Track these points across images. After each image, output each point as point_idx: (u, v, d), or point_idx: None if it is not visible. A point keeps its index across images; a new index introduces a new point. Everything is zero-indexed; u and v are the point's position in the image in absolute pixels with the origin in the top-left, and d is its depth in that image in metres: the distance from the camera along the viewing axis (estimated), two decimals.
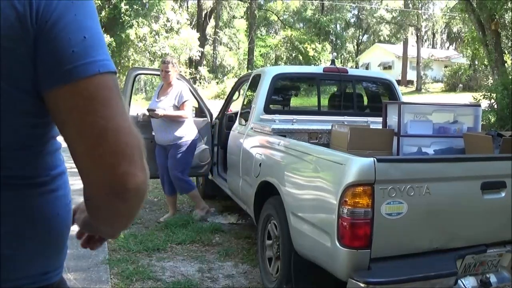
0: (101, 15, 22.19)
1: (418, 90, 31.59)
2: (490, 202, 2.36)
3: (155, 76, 14.78)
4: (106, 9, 21.72)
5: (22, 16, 0.64)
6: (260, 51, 37.45)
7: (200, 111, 4.99)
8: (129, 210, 0.74)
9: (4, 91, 0.66)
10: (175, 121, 4.29)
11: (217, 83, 28.74)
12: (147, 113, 4.40)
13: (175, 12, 25.03)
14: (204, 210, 4.57)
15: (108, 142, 0.67)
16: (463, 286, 2.30)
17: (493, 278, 2.41)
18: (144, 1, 22.89)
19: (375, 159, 2.09)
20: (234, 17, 36.74)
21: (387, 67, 37.96)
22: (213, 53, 34.31)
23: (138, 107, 5.55)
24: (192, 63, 28.98)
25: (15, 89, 0.67)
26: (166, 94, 4.33)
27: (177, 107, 4.28)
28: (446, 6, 32.91)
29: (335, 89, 4.75)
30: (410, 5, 33.98)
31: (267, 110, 3.91)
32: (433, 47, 46.86)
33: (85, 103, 0.67)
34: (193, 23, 31.36)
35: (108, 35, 21.16)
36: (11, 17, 0.64)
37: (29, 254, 0.75)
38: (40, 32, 0.66)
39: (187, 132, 4.37)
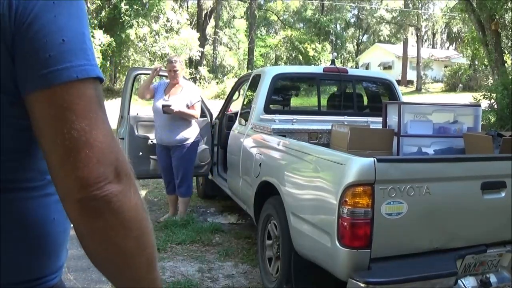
0: (101, 15, 22.20)
1: (418, 90, 31.58)
2: (490, 202, 2.36)
3: (155, 76, 14.77)
4: (106, 9, 21.73)
5: (1, 16, 0.62)
6: (260, 51, 37.45)
7: (201, 111, 5.00)
8: (111, 233, 0.67)
9: None
10: (183, 122, 4.27)
11: (217, 83, 28.73)
12: (152, 112, 4.38)
13: (175, 12, 25.03)
14: (184, 213, 4.56)
15: (80, 156, 0.63)
16: (463, 286, 2.30)
17: (493, 278, 2.41)
18: (144, 1, 22.89)
19: (375, 159, 2.09)
20: (234, 17, 36.74)
21: (387, 67, 37.96)
22: (213, 53, 34.30)
23: (138, 107, 5.54)
24: (192, 63, 28.96)
25: (1, 92, 0.65)
26: (176, 93, 4.28)
27: (188, 107, 4.26)
28: (446, 6, 32.89)
29: (335, 89, 4.75)
30: (410, 5, 33.97)
31: (267, 110, 3.91)
32: (433, 47, 46.86)
33: (60, 112, 0.63)
34: (193, 23, 31.35)
35: (108, 35, 21.15)
36: None
37: (24, 259, 0.73)
38: (18, 33, 0.63)
39: (193, 132, 4.37)
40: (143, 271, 0.73)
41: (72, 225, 0.70)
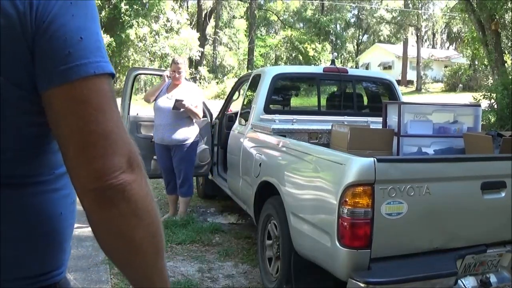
0: (101, 15, 22.18)
1: (418, 90, 31.59)
2: (490, 202, 2.36)
3: (155, 76, 14.83)
4: (106, 9, 21.75)
5: (23, 15, 0.64)
6: (260, 51, 37.44)
7: None
8: (123, 221, 0.69)
9: (6, 90, 0.66)
10: (184, 121, 4.29)
11: (217, 83, 28.73)
12: (153, 112, 4.38)
13: (175, 12, 25.04)
14: (184, 213, 4.57)
15: (97, 147, 0.67)
16: (463, 286, 2.30)
17: (493, 278, 2.41)
18: (144, 1, 22.91)
19: (375, 159, 2.09)
20: (234, 17, 36.73)
21: (387, 67, 37.95)
22: (213, 53, 34.30)
23: (138, 107, 5.54)
24: (192, 63, 28.96)
25: (17, 88, 0.67)
26: (179, 93, 4.29)
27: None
28: (446, 6, 32.92)
29: (335, 89, 4.75)
30: (410, 5, 33.98)
31: (267, 110, 3.91)
32: (433, 47, 46.85)
33: (78, 105, 0.66)
34: (193, 23, 31.36)
35: (108, 35, 21.17)
36: (12, 16, 0.64)
37: (30, 253, 0.74)
38: (38, 31, 0.65)
39: (193, 132, 4.39)
40: (151, 259, 0.76)
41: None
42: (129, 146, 0.71)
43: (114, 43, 21.49)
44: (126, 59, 23.97)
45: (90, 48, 0.68)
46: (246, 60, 33.64)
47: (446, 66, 35.61)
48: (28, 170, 0.73)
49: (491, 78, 13.81)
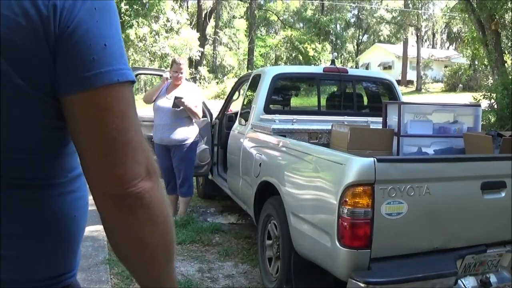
0: None
1: (418, 90, 31.58)
2: (490, 202, 2.36)
3: (155, 76, 14.83)
4: None
5: (46, 18, 0.64)
6: (260, 51, 37.45)
7: None
8: (140, 228, 0.71)
9: (24, 92, 0.66)
10: (184, 121, 4.29)
11: (217, 83, 28.74)
12: (157, 109, 4.37)
13: (175, 12, 25.03)
14: (184, 213, 4.58)
15: (118, 154, 0.67)
16: (463, 286, 2.30)
17: (493, 278, 2.41)
18: (144, 1, 22.91)
19: (375, 159, 2.09)
20: (234, 17, 36.73)
21: (387, 67, 37.95)
22: (213, 53, 34.30)
23: (138, 107, 5.54)
24: (192, 63, 28.96)
25: (35, 90, 0.66)
26: (179, 93, 4.29)
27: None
28: (446, 6, 32.90)
29: (335, 89, 4.75)
30: (410, 5, 33.98)
31: (267, 110, 3.91)
32: (433, 47, 46.85)
33: (101, 112, 0.67)
34: (193, 23, 31.35)
35: None
36: (34, 18, 0.64)
37: (44, 255, 0.75)
38: (61, 36, 0.65)
39: (193, 132, 4.39)
40: (164, 263, 0.77)
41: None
42: (148, 153, 0.71)
43: None
44: None
45: (113, 55, 0.68)
46: (246, 60, 33.64)
47: (446, 66, 35.61)
48: (45, 173, 0.74)
49: (491, 78, 13.81)
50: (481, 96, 10.56)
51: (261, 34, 39.79)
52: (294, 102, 4.92)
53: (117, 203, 0.69)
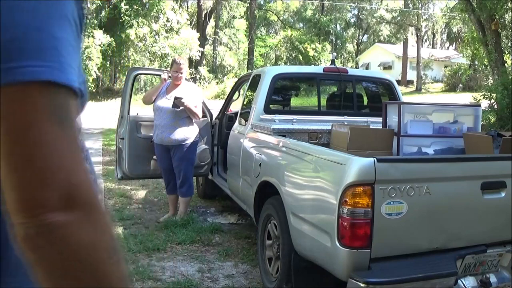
0: (101, 15, 22.22)
1: (418, 90, 31.60)
2: (490, 202, 2.36)
3: (155, 76, 14.84)
4: (106, 9, 21.76)
5: None
6: (260, 51, 37.46)
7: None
8: (50, 271, 0.53)
9: None
10: (184, 121, 4.29)
11: (217, 83, 28.77)
12: (157, 109, 4.38)
13: (175, 12, 25.05)
14: (184, 213, 4.57)
15: (20, 174, 0.53)
16: (463, 286, 2.30)
17: (493, 278, 2.40)
18: (144, 1, 22.93)
19: (375, 159, 2.09)
20: (234, 17, 36.76)
21: (387, 67, 37.96)
22: (213, 53, 34.32)
23: (138, 107, 5.54)
24: (192, 63, 28.97)
25: None
26: (179, 93, 4.28)
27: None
28: (446, 6, 32.92)
29: (335, 89, 4.75)
30: (410, 5, 33.99)
31: (267, 110, 3.91)
32: (433, 47, 46.87)
33: (3, 118, 0.52)
34: (193, 23, 31.37)
35: (108, 35, 21.18)
36: None
37: None
38: None
39: (193, 132, 4.39)
40: None
41: None
42: (69, 176, 0.54)
43: (114, 43, 21.51)
44: (126, 59, 23.99)
45: (23, 49, 0.53)
46: (246, 60, 33.65)
47: (446, 66, 35.63)
48: None
49: (491, 78, 13.81)
50: (481, 96, 10.55)
51: (261, 34, 39.82)
52: (294, 102, 4.92)
53: (20, 232, 0.53)
